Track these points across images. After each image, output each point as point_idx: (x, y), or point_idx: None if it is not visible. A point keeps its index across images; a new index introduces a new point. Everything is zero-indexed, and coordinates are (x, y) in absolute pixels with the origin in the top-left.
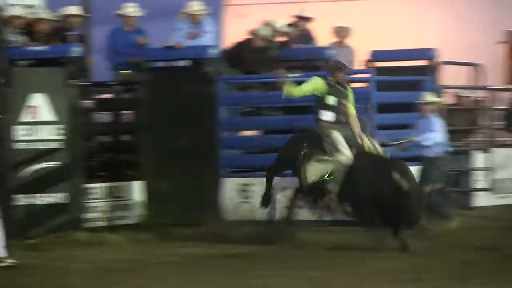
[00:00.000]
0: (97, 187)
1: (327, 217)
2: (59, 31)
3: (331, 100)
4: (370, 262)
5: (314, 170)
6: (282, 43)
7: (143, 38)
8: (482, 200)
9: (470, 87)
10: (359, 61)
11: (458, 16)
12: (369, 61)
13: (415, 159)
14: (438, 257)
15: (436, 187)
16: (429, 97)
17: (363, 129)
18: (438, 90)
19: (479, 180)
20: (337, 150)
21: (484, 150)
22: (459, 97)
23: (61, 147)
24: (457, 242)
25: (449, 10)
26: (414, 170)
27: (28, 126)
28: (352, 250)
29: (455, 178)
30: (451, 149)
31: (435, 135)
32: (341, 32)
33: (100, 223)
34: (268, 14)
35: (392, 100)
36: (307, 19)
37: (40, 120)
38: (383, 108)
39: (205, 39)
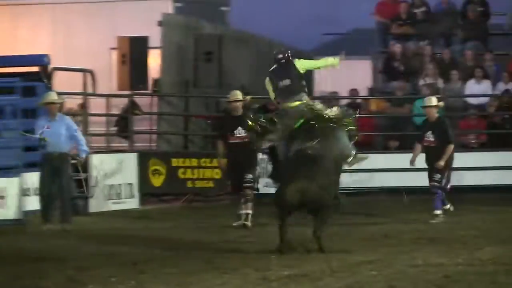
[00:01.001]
0: None
1: None
2: None
3: None
4: None
5: None
6: None
7: None
8: (96, 206)
9: (82, 94)
10: None
11: (71, 22)
12: None
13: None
14: (55, 264)
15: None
16: (51, 97)
17: None
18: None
19: (94, 186)
20: None
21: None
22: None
23: None
24: (72, 247)
25: (62, 17)
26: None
27: None
28: None
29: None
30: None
31: (76, 135)
32: None
33: None
34: None
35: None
36: None
37: None
38: None
39: None
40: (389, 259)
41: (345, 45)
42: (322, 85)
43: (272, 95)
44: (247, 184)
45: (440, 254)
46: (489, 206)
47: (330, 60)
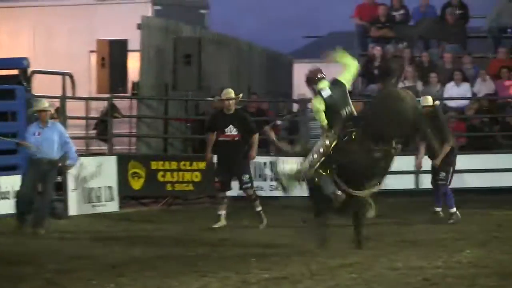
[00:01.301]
0: None
1: None
2: None
3: None
4: None
5: None
6: None
7: None
8: (76, 209)
9: (61, 97)
10: None
11: (51, 26)
12: None
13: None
14: (34, 267)
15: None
16: (42, 105)
17: None
18: (31, 99)
19: (73, 189)
20: None
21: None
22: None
23: None
24: (51, 250)
25: (42, 20)
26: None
27: None
28: None
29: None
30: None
31: (68, 141)
32: None
33: None
34: None
35: None
36: None
37: None
38: None
39: None
40: (369, 262)
41: (325, 47)
42: (301, 88)
43: (324, 122)
44: (246, 185)
45: (420, 257)
46: (471, 209)
47: (347, 59)
